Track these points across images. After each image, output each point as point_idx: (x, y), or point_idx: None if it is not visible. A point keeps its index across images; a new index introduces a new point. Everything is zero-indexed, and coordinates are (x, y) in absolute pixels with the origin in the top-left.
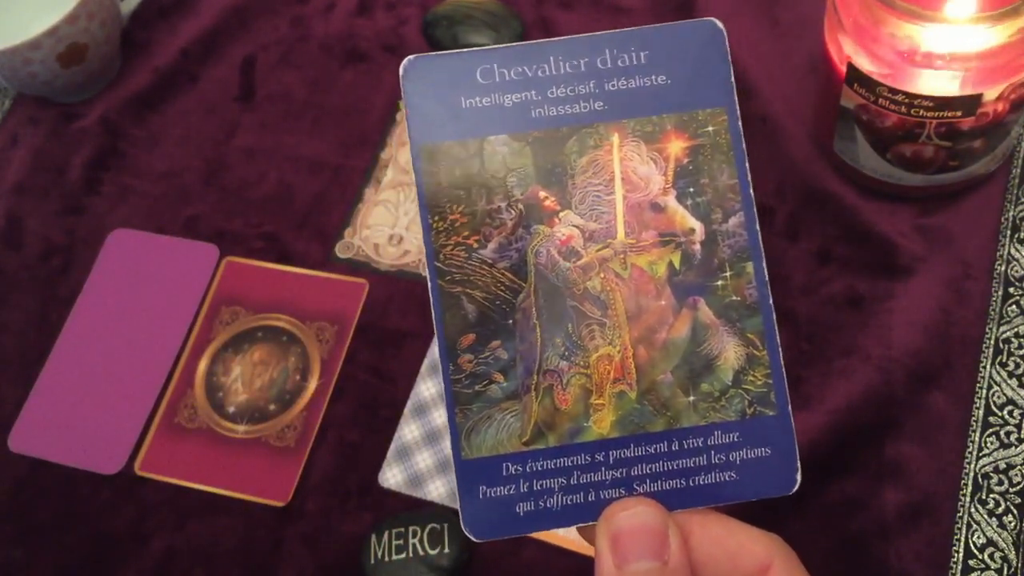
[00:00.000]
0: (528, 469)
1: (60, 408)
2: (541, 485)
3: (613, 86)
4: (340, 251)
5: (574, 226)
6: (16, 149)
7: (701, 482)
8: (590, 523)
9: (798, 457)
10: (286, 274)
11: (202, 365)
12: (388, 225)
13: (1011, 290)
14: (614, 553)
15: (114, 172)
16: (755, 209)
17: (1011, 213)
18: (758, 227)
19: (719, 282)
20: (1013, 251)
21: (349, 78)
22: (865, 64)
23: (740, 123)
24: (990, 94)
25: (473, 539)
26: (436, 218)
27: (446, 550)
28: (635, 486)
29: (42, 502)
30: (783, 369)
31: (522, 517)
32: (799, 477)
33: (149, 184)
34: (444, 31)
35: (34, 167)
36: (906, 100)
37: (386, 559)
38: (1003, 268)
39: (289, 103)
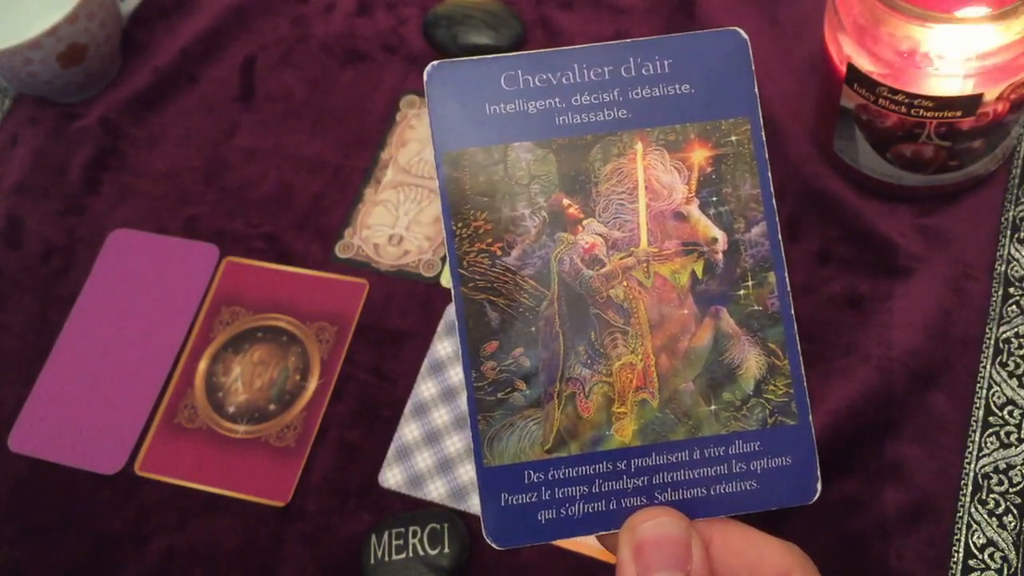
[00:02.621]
0: (550, 477)
1: (60, 408)
2: (563, 493)
3: (637, 94)
4: (340, 251)
5: (597, 234)
6: (16, 149)
7: (722, 491)
8: (612, 531)
9: (818, 466)
10: (286, 274)
11: (202, 365)
12: (388, 225)
13: (1011, 290)
14: (637, 563)
15: (114, 172)
16: (777, 219)
17: (1011, 213)
18: (780, 237)
19: (741, 291)
20: (1013, 251)
21: (349, 78)
22: (865, 64)
23: (763, 133)
24: (990, 94)
25: (496, 547)
26: (460, 224)
27: (446, 550)
28: (656, 494)
29: (42, 502)
30: (804, 379)
31: (544, 525)
32: (819, 486)
33: (149, 184)
34: (444, 31)
35: (34, 167)
36: (906, 100)
37: (386, 559)
38: (1003, 268)
39: (289, 103)
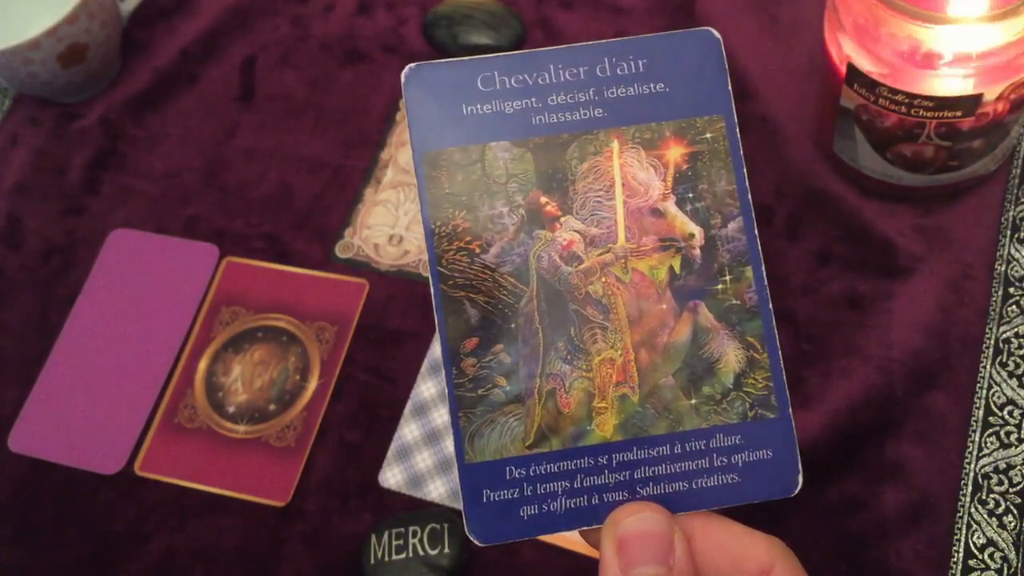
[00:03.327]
0: (531, 473)
1: (60, 408)
2: (545, 489)
3: (612, 94)
4: (340, 251)
5: (575, 231)
6: (16, 149)
7: (703, 485)
8: (594, 527)
9: (799, 459)
10: (286, 274)
11: (202, 365)
12: (388, 225)
13: (1011, 290)
14: (620, 558)
15: (114, 172)
16: (753, 214)
17: (1011, 213)
18: (756, 232)
19: (719, 286)
20: (1013, 251)
21: (349, 78)
22: (865, 64)
23: (738, 130)
24: (990, 94)
25: (478, 543)
26: (439, 223)
27: (446, 550)
28: (638, 489)
29: (42, 502)
30: (783, 372)
31: (526, 521)
32: (800, 479)
33: (149, 184)
34: (444, 31)
35: (34, 167)
36: (906, 100)
37: (386, 559)
38: (1003, 268)
39: (289, 103)
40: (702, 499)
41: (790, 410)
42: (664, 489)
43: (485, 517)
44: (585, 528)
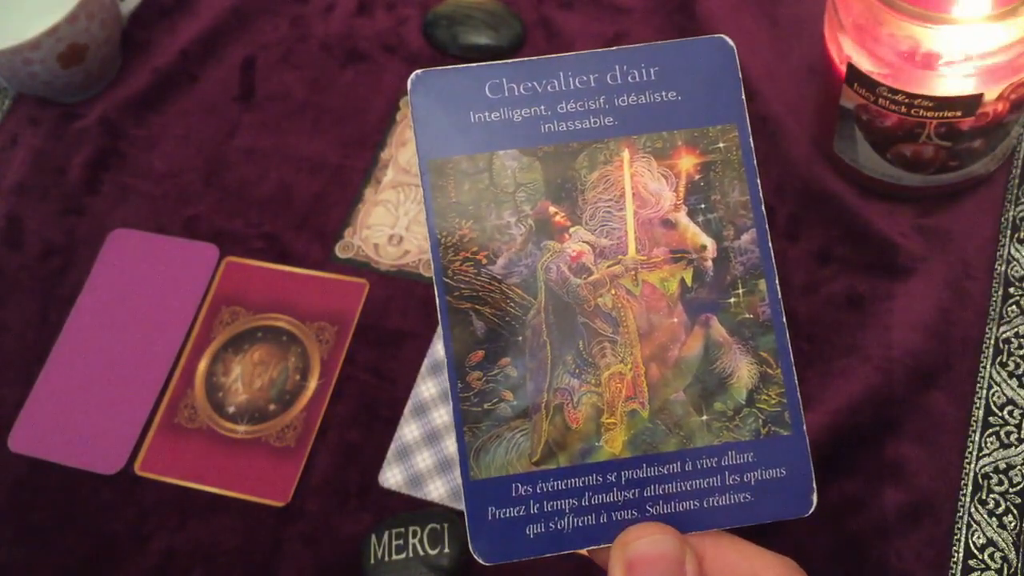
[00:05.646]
0: (538, 490)
1: (60, 408)
2: (552, 506)
3: (623, 102)
4: (340, 251)
5: (585, 242)
6: (16, 149)
7: (715, 503)
8: (603, 546)
9: (814, 478)
10: (286, 274)
11: (202, 365)
12: (388, 225)
13: (1011, 290)
14: None
15: (114, 172)
16: (767, 226)
17: (1011, 213)
18: (771, 244)
19: (732, 299)
20: (1013, 251)
21: (349, 78)
22: (865, 64)
23: (751, 140)
24: (990, 94)
25: (483, 563)
26: (444, 233)
27: (446, 550)
28: (648, 507)
29: (42, 502)
30: (797, 388)
31: (532, 539)
32: (815, 499)
33: (149, 184)
34: (444, 31)
35: (34, 167)
36: (906, 100)
37: (386, 559)
38: (1003, 268)
39: (289, 103)
40: (713, 518)
41: (804, 427)
42: (674, 507)
43: (490, 535)
44: (593, 547)
